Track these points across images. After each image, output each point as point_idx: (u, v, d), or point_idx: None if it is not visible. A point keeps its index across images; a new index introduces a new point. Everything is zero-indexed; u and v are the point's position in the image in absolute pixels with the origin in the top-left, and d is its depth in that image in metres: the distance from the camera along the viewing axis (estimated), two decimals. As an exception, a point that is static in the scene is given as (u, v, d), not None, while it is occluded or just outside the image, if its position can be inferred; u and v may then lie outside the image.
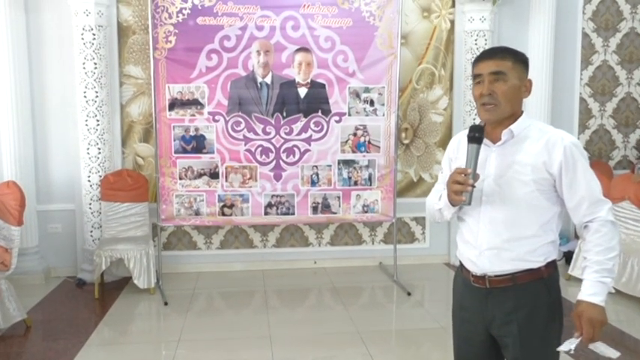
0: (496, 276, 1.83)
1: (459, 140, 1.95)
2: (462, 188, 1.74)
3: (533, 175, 1.76)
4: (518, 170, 1.78)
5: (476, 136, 1.78)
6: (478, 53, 1.99)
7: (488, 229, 1.82)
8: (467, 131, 1.85)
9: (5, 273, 3.75)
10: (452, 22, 5.21)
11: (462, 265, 1.95)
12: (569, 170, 1.74)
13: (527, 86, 1.83)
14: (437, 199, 1.95)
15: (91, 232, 4.80)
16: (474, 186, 1.75)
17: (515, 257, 1.80)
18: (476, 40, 5.03)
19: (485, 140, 1.83)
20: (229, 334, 3.81)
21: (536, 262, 1.81)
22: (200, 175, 4.69)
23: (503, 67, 1.78)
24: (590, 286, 1.74)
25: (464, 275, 1.93)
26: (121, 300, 4.43)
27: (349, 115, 4.77)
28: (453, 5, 5.19)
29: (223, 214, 4.75)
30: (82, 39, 4.59)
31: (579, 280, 5.17)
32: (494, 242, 1.81)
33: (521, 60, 1.83)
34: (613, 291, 4.46)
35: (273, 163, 4.73)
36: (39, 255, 4.88)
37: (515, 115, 1.82)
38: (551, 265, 1.84)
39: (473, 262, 1.87)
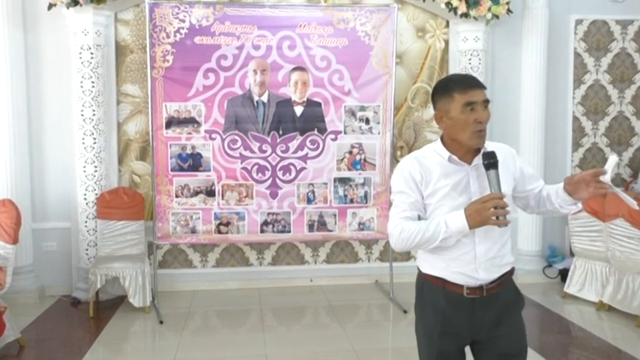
0: (490, 283, 1.95)
1: (420, 163, 1.96)
2: (505, 212, 1.81)
3: (508, 186, 1.96)
4: None
5: (492, 162, 1.87)
6: (472, 72, 2.07)
7: (484, 243, 1.93)
8: (423, 153, 2.00)
9: None
10: (446, 42, 5.28)
11: (444, 281, 1.96)
12: (524, 167, 2.08)
13: None
14: (430, 227, 1.88)
15: (87, 250, 4.79)
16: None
17: (504, 262, 1.99)
18: (470, 59, 5.09)
19: (459, 162, 1.95)
20: (225, 353, 3.79)
21: (512, 262, 2.04)
22: (196, 193, 4.69)
23: (488, 97, 1.94)
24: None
25: (447, 290, 1.96)
26: (116, 319, 4.40)
27: (345, 133, 4.80)
28: (447, 25, 5.26)
29: (219, 232, 4.74)
30: (80, 58, 4.63)
31: (575, 298, 5.16)
32: (492, 253, 1.94)
33: None
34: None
35: (270, 181, 4.75)
36: (33, 274, 4.86)
37: None
38: None
39: (469, 276, 1.93)
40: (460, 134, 1.90)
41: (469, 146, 1.91)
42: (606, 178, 1.87)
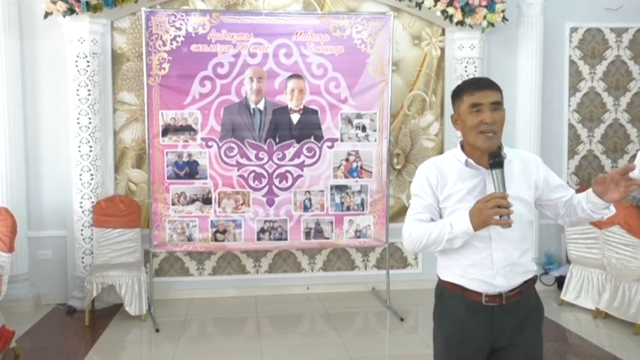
0: (510, 291, 1.93)
1: (438, 167, 1.99)
2: (508, 212, 1.76)
3: (528, 193, 1.96)
4: (517, 190, 1.90)
5: (497, 161, 1.85)
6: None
7: (502, 248, 1.92)
8: (442, 158, 2.03)
9: (-5, 300, 3.71)
10: (442, 50, 5.30)
11: (463, 289, 1.96)
12: (550, 176, 2.03)
13: None
14: (436, 229, 1.89)
15: (82, 258, 4.77)
16: None
17: (525, 270, 1.97)
18: (466, 67, 5.11)
19: (476, 166, 1.94)
20: (221, 362, 3.77)
21: (534, 270, 2.02)
22: (193, 201, 4.69)
23: (500, 98, 1.91)
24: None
25: (467, 298, 1.95)
26: (112, 327, 4.38)
27: (341, 140, 4.81)
28: (443, 33, 5.28)
29: (216, 240, 4.74)
30: (77, 66, 4.63)
31: (572, 305, 5.15)
32: (510, 259, 1.92)
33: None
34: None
35: (266, 188, 4.75)
36: (29, 282, 4.83)
37: None
38: None
39: (487, 283, 1.92)
40: (468, 136, 1.92)
41: (480, 149, 1.90)
42: (635, 173, 1.80)
